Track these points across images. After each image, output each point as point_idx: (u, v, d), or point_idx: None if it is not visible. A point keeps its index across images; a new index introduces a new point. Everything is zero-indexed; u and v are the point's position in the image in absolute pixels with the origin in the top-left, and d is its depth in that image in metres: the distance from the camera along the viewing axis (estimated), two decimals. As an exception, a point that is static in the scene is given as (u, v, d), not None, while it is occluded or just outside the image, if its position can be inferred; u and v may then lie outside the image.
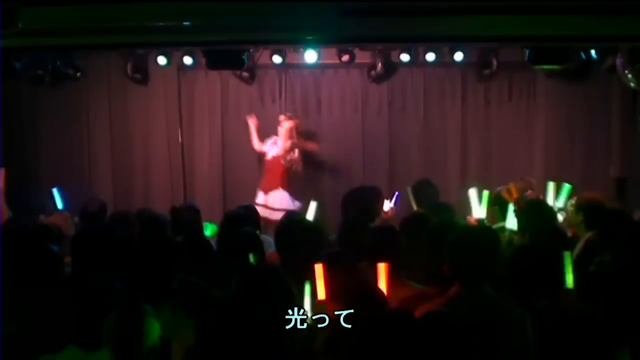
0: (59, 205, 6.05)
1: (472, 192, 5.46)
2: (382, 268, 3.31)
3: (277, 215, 7.68)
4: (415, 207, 5.56)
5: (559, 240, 4.31)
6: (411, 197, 5.67)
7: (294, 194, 8.15)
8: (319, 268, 3.18)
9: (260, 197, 8.16)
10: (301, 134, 8.36)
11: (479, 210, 5.40)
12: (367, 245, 3.97)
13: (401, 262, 3.74)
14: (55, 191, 6.12)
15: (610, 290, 3.25)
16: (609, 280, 3.37)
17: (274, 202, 8.08)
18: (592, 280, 3.38)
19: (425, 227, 3.89)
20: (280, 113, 8.50)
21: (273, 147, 8.26)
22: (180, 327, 3.19)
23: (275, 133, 8.34)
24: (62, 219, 5.62)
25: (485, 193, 5.44)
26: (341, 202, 5.31)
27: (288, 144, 8.13)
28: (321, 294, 3.14)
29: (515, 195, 5.02)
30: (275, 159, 8.19)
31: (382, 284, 3.30)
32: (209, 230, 5.61)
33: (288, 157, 8.15)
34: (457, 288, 3.14)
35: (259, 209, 7.75)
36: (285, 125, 8.18)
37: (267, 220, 7.61)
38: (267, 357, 2.83)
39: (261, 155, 8.45)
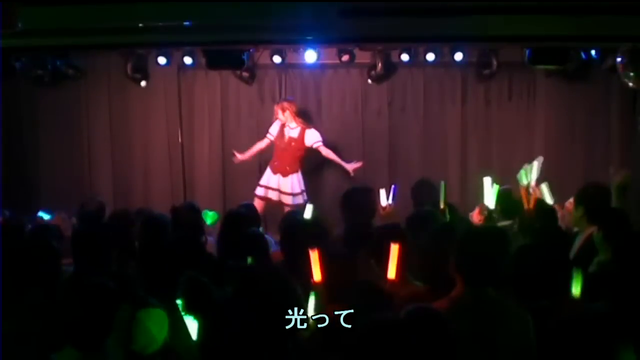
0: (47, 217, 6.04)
1: (487, 180, 5.48)
2: (394, 249, 3.22)
3: (290, 199, 7.89)
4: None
5: (561, 241, 4.28)
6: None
7: (304, 177, 8.13)
8: (314, 254, 3.16)
9: (272, 180, 8.00)
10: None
11: (489, 199, 5.42)
12: (373, 245, 3.95)
13: (406, 261, 3.72)
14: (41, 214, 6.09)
15: (612, 291, 3.24)
16: (611, 281, 3.35)
17: (292, 186, 7.98)
18: (593, 282, 3.37)
19: (430, 226, 3.87)
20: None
21: (289, 129, 8.04)
22: (180, 326, 3.19)
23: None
24: (60, 220, 5.63)
25: (496, 187, 5.47)
26: (339, 205, 5.28)
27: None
28: (317, 276, 3.12)
29: (534, 199, 4.98)
30: (293, 143, 8.05)
31: (393, 266, 3.21)
32: (210, 218, 5.58)
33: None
34: (460, 288, 3.12)
35: (270, 193, 7.91)
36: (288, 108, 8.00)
37: (280, 204, 7.88)
38: (268, 357, 2.82)
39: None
